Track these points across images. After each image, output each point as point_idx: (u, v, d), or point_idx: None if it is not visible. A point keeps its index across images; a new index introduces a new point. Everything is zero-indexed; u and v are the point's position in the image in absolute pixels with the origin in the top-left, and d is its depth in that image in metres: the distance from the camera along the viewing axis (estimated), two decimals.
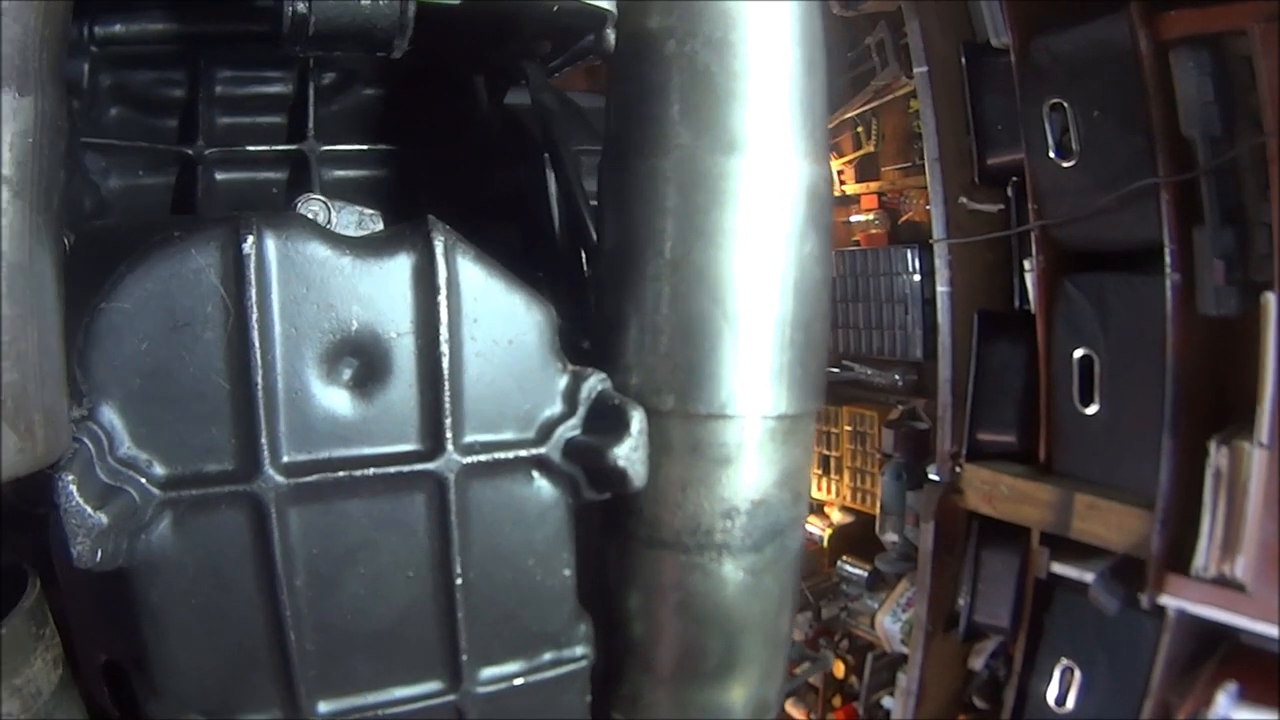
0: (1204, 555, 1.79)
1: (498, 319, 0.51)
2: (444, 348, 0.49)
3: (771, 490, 0.56)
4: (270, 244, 0.44)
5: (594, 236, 0.76)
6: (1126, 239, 1.92)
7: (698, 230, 0.54)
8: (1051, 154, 1.98)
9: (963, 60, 2.22)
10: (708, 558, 0.55)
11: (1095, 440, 2.01)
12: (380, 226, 0.66)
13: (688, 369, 0.55)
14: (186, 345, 0.44)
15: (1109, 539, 1.93)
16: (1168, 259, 1.84)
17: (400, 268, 0.48)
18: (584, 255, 0.76)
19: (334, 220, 0.62)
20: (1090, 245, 2.00)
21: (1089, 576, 1.95)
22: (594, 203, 0.75)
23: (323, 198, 0.62)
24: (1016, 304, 2.23)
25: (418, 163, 0.82)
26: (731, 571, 0.55)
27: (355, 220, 0.63)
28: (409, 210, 0.75)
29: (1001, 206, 2.23)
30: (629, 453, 0.51)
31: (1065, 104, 1.95)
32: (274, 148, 0.79)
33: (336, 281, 0.46)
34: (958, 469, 2.20)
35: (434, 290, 0.47)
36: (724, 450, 0.55)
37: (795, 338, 0.56)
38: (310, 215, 0.64)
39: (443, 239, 0.48)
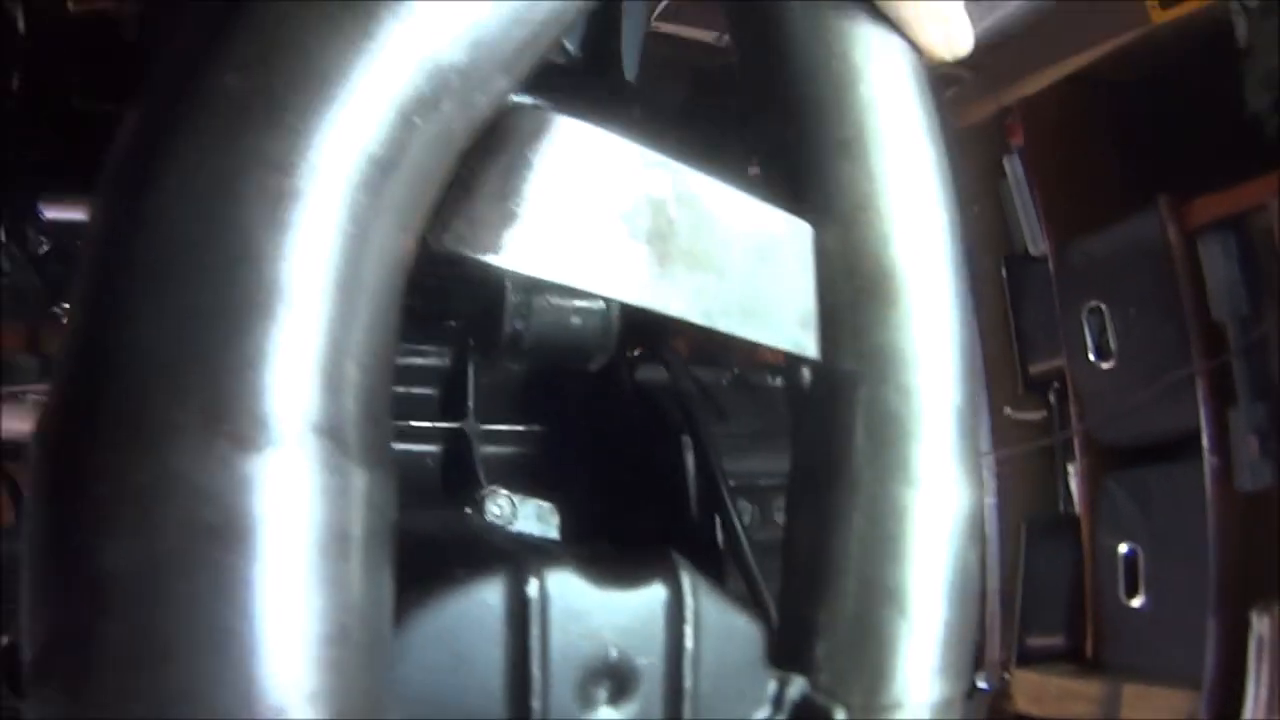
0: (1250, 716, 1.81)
1: (727, 640, 0.56)
2: (687, 671, 0.54)
3: None
4: (549, 585, 0.49)
5: (734, 518, 0.83)
6: (1166, 430, 1.98)
7: (884, 554, 0.60)
8: (1091, 356, 2.07)
9: (1003, 272, 2.34)
10: None
11: (1141, 631, 2.04)
12: (556, 520, 0.71)
13: (873, 670, 0.59)
14: (465, 678, 0.48)
15: None
16: (1205, 443, 1.90)
17: (652, 600, 0.52)
18: (719, 532, 0.82)
19: (518, 515, 0.68)
20: (1131, 441, 2.07)
21: None
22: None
23: (506, 492, 0.67)
24: (1061, 507, 2.28)
25: (564, 441, 0.88)
26: None
27: (535, 513, 0.68)
28: (559, 491, 0.80)
29: (1044, 413, 2.30)
30: None
31: (1103, 305, 2.05)
32: (436, 424, 0.84)
33: (599, 615, 0.51)
34: (1006, 675, 2.22)
35: (681, 621, 0.52)
36: None
37: (959, 635, 0.61)
38: (497, 510, 0.69)
39: (689, 575, 0.53)
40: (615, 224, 0.45)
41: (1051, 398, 2.29)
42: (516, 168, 0.39)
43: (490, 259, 0.39)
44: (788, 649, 0.61)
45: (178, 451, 0.30)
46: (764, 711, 0.59)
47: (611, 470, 0.88)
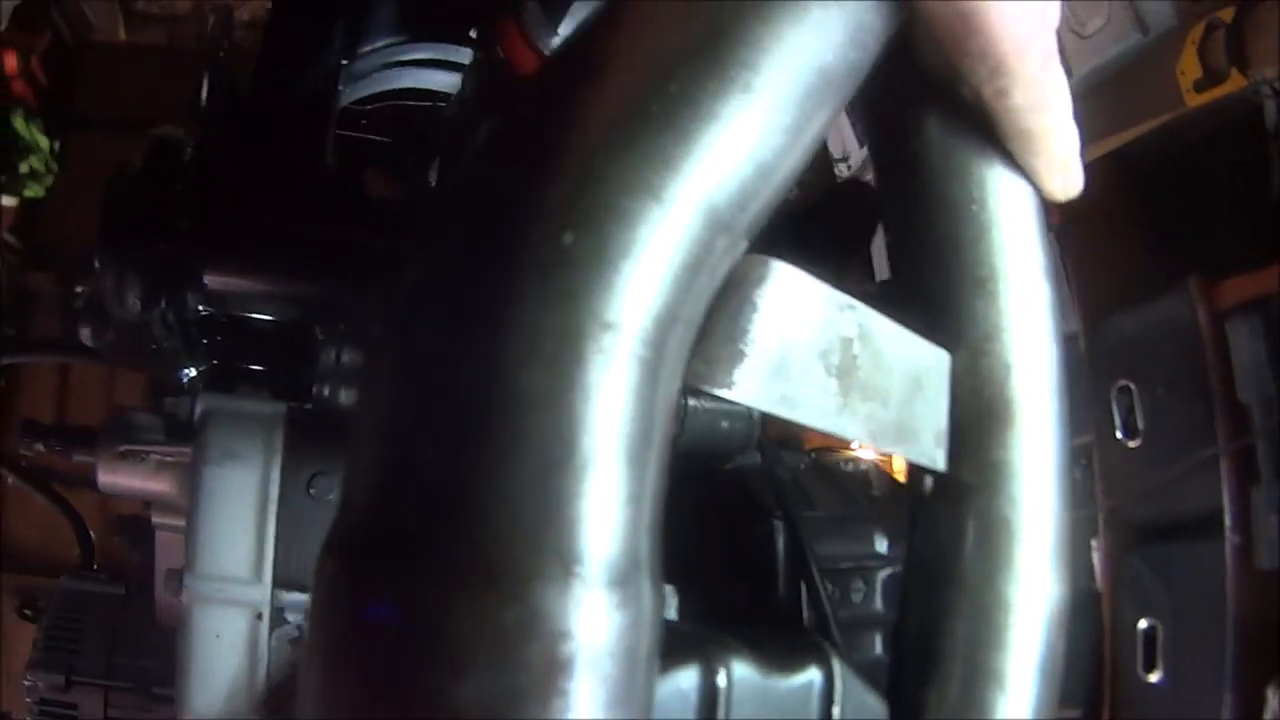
0: None
1: (859, 709, 0.62)
2: None
3: None
4: (736, 674, 0.54)
5: (823, 597, 0.88)
6: (1189, 508, 2.02)
7: (989, 642, 0.66)
8: (1119, 434, 2.12)
9: None
10: None
11: (1158, 706, 2.05)
12: (675, 601, 0.76)
13: None
14: None
15: None
16: (1228, 521, 1.94)
17: (807, 684, 0.58)
18: (804, 609, 0.87)
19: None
20: (1155, 518, 2.10)
21: None
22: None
23: None
24: (1083, 581, 2.32)
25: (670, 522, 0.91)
26: None
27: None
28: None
29: None
30: None
31: (1132, 385, 2.10)
32: None
33: (767, 697, 0.56)
34: None
35: (831, 702, 0.58)
36: None
37: (1049, 708, 0.68)
38: None
39: (838, 661, 0.58)
40: (815, 361, 0.50)
41: (1078, 474, 2.33)
42: (745, 311, 0.43)
43: (724, 394, 0.43)
44: None
45: (540, 595, 0.33)
46: None
47: (708, 550, 0.93)
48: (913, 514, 0.67)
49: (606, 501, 0.35)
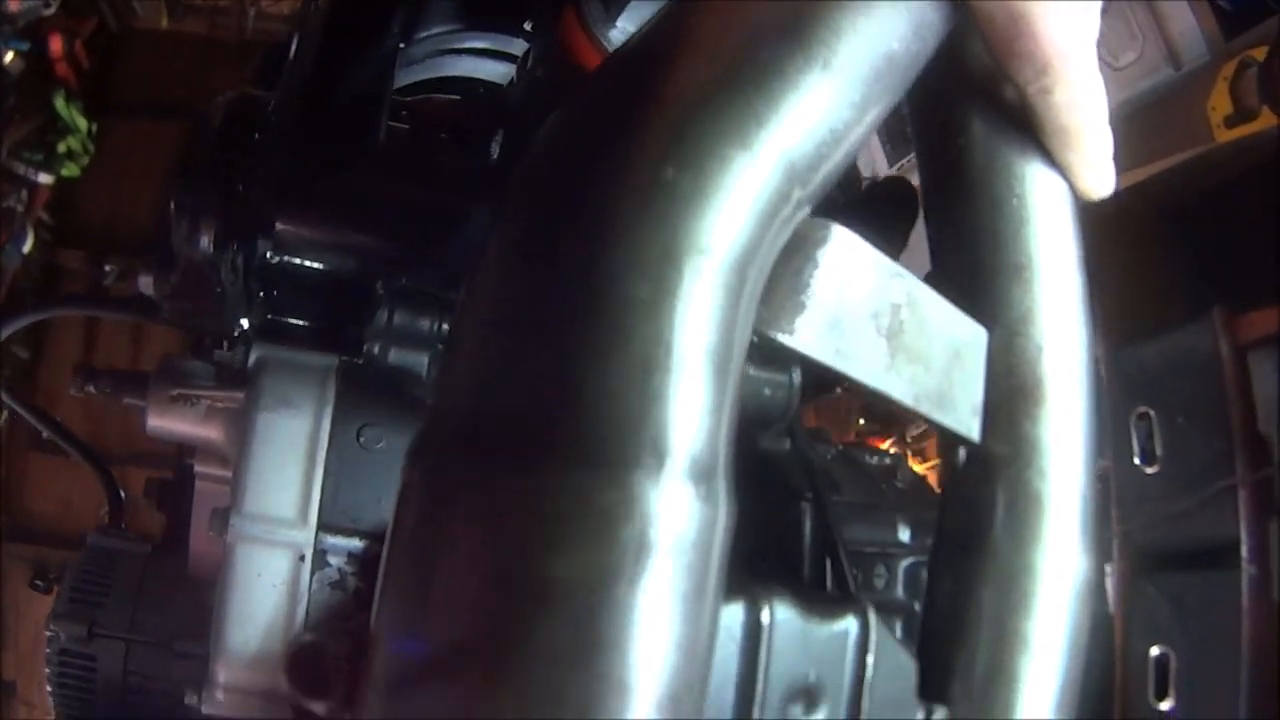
0: None
1: (894, 671, 0.63)
2: (866, 695, 0.60)
3: None
4: (778, 614, 0.56)
5: (849, 577, 0.90)
6: (1206, 538, 2.02)
7: (1017, 608, 0.68)
8: (1136, 460, 2.12)
9: None
10: None
11: None
12: None
13: (1004, 704, 0.68)
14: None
15: None
16: (1244, 553, 1.94)
17: (845, 632, 0.59)
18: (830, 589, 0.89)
19: None
20: (1170, 546, 2.10)
21: None
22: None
23: None
24: (1097, 607, 2.31)
25: None
26: None
27: None
28: None
29: None
30: None
31: (1151, 412, 2.10)
32: None
33: (803, 641, 0.58)
34: None
35: (866, 651, 0.59)
36: None
37: (1075, 678, 0.70)
38: None
39: (874, 612, 0.60)
40: (867, 320, 0.54)
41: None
42: (807, 267, 0.48)
43: (785, 340, 0.47)
44: (929, 686, 0.68)
45: (636, 480, 0.36)
46: None
47: (737, 529, 0.94)
48: (945, 486, 0.71)
49: (695, 404, 0.38)
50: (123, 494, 1.33)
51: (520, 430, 0.37)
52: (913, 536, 0.99)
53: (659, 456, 0.37)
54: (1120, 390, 2.15)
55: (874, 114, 0.45)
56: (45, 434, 1.31)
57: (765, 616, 0.55)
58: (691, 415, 0.38)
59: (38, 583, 2.95)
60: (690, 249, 0.38)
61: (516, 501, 0.36)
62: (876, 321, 0.55)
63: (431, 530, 0.37)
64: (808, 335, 0.49)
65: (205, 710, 0.82)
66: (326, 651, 0.42)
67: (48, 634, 1.20)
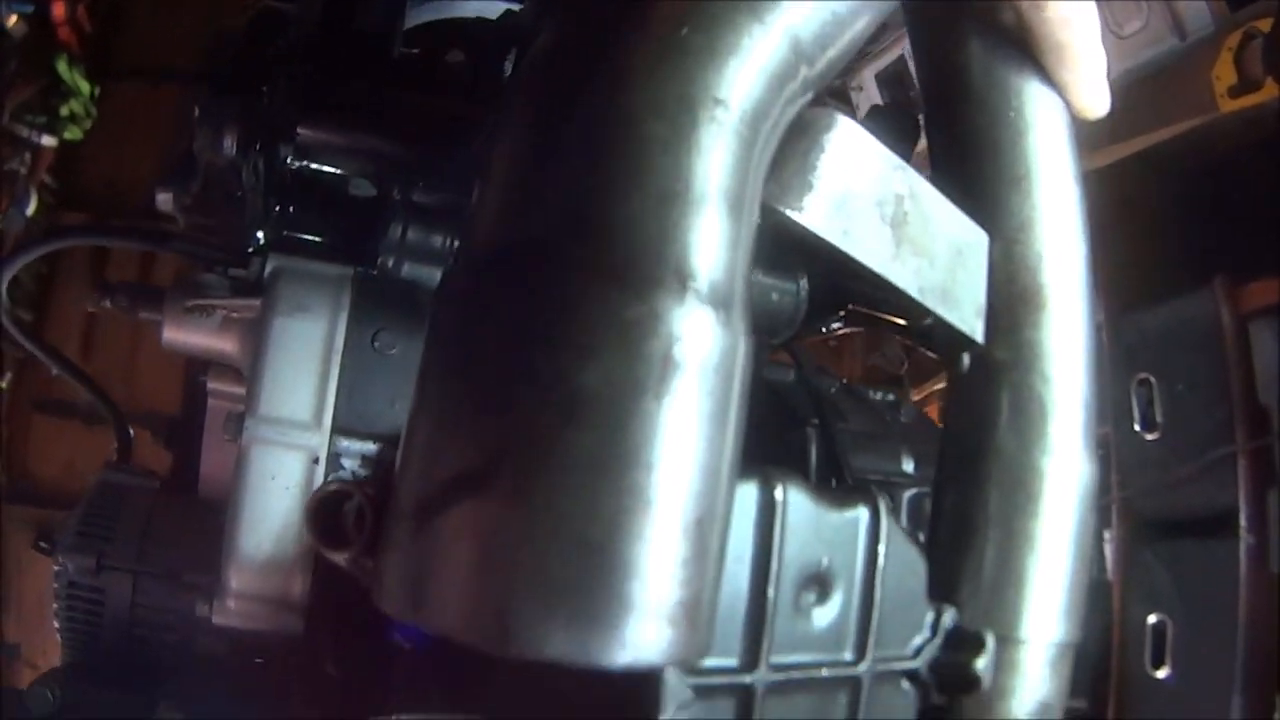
0: None
1: (905, 567, 0.64)
2: (878, 584, 0.61)
3: (1054, 698, 0.71)
4: (790, 495, 0.57)
5: None
6: (1204, 506, 2.03)
7: (1023, 509, 0.70)
8: (1136, 426, 2.13)
9: None
10: None
11: (1165, 703, 2.05)
12: None
13: (1011, 606, 0.69)
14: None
15: None
16: (1243, 522, 1.95)
17: (856, 521, 0.60)
18: None
19: None
20: (1169, 513, 2.11)
21: None
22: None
23: None
24: (1093, 571, 2.32)
25: None
26: None
27: None
28: None
29: None
30: (987, 663, 0.65)
31: (1152, 379, 2.11)
32: None
33: (816, 526, 0.59)
34: None
35: (877, 540, 0.60)
36: (1027, 667, 0.69)
37: (1081, 585, 0.71)
38: None
39: (885, 502, 0.61)
40: (872, 207, 0.56)
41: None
42: (814, 150, 0.50)
43: (792, 214, 0.50)
44: (938, 587, 0.69)
45: (660, 298, 0.38)
46: (923, 634, 0.67)
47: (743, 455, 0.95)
48: (949, 392, 0.72)
49: (712, 236, 0.40)
50: (131, 433, 1.33)
51: (551, 251, 0.38)
52: (916, 467, 1.00)
53: (681, 279, 0.38)
54: (1121, 357, 2.16)
55: (873, 10, 0.48)
56: (54, 371, 1.31)
57: (779, 494, 0.56)
58: (710, 246, 0.40)
59: (42, 544, 2.95)
60: (704, 98, 0.40)
61: (548, 314, 0.37)
62: (881, 210, 0.57)
63: (463, 345, 0.39)
64: (815, 214, 0.51)
65: (216, 620, 0.83)
66: (349, 499, 0.43)
67: (55, 569, 1.20)
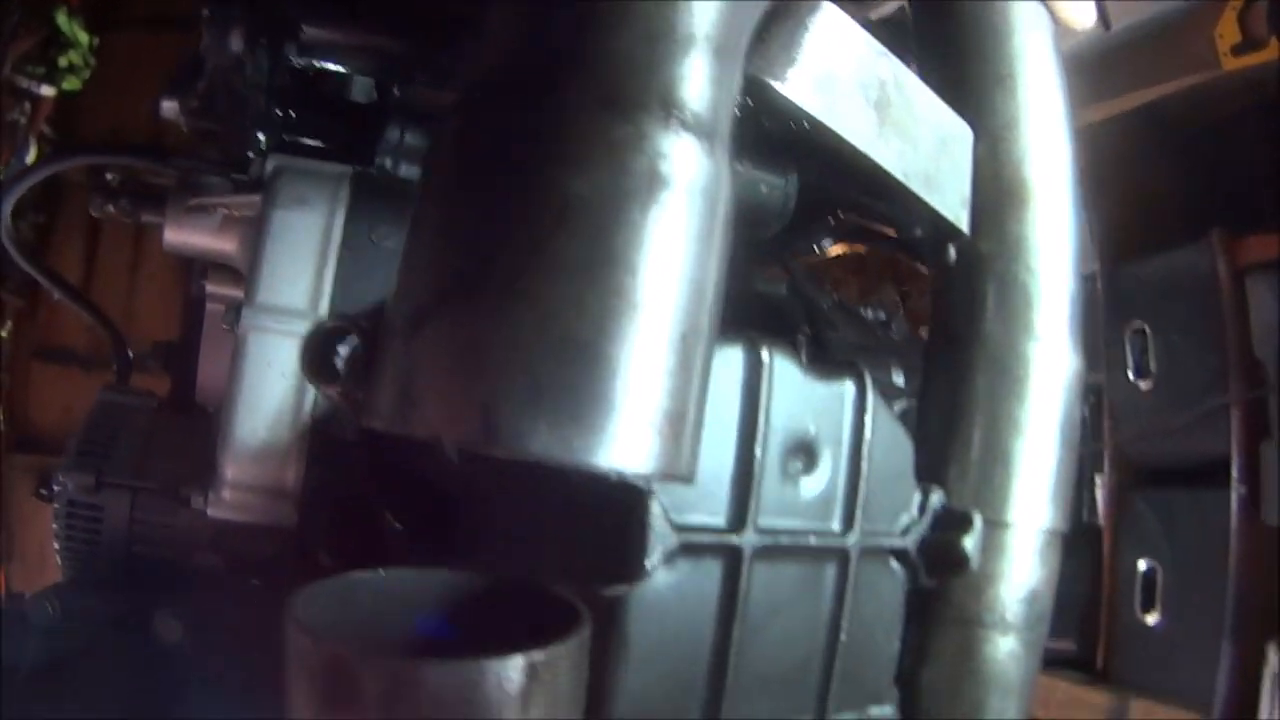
0: None
1: (891, 443, 0.65)
2: (865, 456, 0.63)
3: (1043, 586, 0.73)
4: (777, 359, 0.58)
5: None
6: (1196, 455, 2.04)
7: (1010, 393, 0.71)
8: (1130, 374, 2.13)
9: None
10: (998, 632, 0.70)
11: (1154, 648, 2.08)
12: None
13: (999, 488, 0.71)
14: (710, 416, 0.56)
15: None
16: (1235, 473, 1.96)
17: (843, 392, 0.61)
18: None
19: None
20: (1161, 462, 2.13)
21: None
22: None
23: None
24: (1084, 517, 2.34)
25: None
26: (1013, 644, 0.71)
27: None
28: None
29: None
30: (975, 543, 0.67)
31: (1146, 328, 2.12)
32: None
33: (803, 394, 0.60)
34: None
35: (863, 412, 0.62)
36: (1016, 552, 0.71)
37: (1068, 471, 0.73)
38: None
39: (871, 376, 0.63)
40: (856, 88, 0.58)
41: (1086, 411, 2.35)
42: (798, 30, 0.53)
43: (776, 85, 0.52)
44: (926, 469, 0.71)
45: (646, 120, 0.40)
46: (912, 513, 0.68)
47: None
48: (936, 284, 0.74)
49: (697, 74, 0.43)
50: (130, 354, 1.34)
51: (545, 77, 0.41)
52: (906, 381, 1.01)
53: (665, 106, 0.41)
54: (1116, 304, 2.17)
55: None
56: (56, 296, 1.32)
57: (765, 355, 0.57)
58: (695, 81, 0.42)
59: (43, 492, 2.95)
60: None
61: (542, 132, 0.40)
62: (865, 92, 0.59)
63: (461, 160, 0.41)
64: (799, 87, 0.53)
65: (211, 512, 0.84)
66: (344, 335, 0.44)
67: (55, 488, 1.21)
